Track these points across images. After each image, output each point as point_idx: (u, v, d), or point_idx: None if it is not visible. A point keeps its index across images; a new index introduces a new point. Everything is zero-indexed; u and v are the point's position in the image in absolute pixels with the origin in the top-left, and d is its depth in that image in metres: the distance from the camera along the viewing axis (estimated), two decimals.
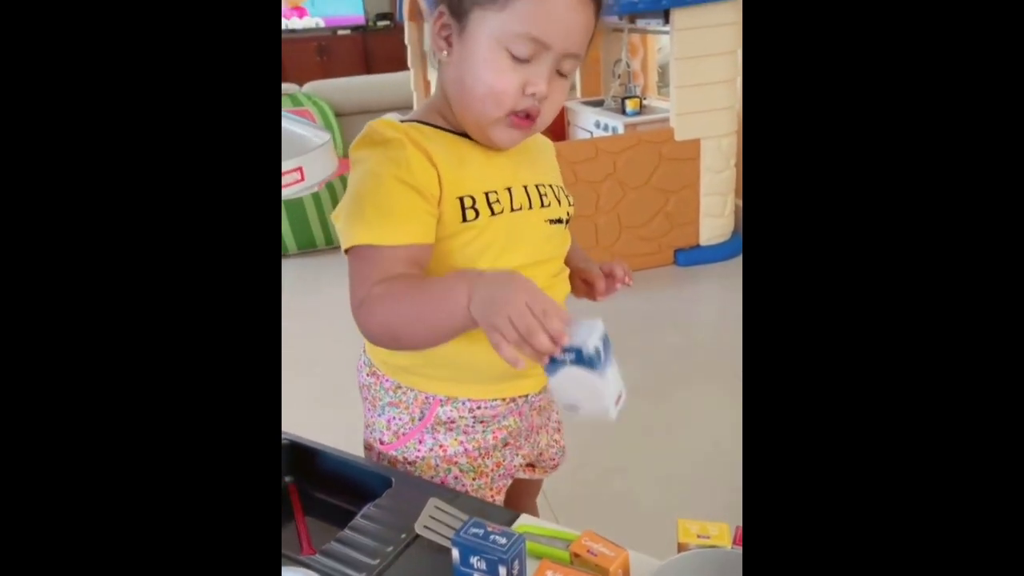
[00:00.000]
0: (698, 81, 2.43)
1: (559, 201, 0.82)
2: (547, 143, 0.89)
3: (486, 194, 0.74)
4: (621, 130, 2.55)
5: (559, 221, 0.81)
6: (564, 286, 0.84)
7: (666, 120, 2.53)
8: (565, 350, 0.60)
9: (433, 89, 0.81)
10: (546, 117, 0.74)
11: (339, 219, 0.75)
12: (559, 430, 0.95)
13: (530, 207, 0.78)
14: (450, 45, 0.72)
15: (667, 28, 2.39)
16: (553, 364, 0.61)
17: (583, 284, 0.86)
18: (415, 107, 2.69)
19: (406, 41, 2.88)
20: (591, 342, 0.60)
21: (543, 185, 0.80)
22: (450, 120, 0.77)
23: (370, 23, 5.82)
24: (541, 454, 0.92)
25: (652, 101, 2.82)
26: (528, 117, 0.72)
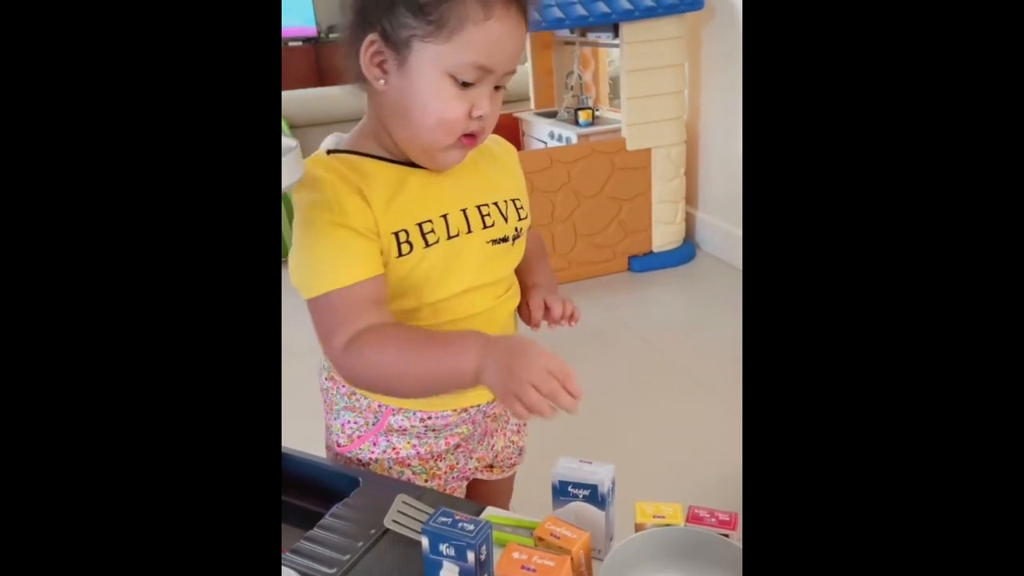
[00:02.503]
0: (647, 93, 2.50)
1: (505, 218, 0.79)
2: (504, 150, 0.87)
3: (419, 225, 0.73)
4: (575, 140, 2.61)
5: (503, 240, 0.79)
6: (512, 303, 0.84)
7: (618, 130, 2.59)
8: (578, 486, 0.64)
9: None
10: (488, 132, 0.75)
11: (291, 269, 0.74)
12: (519, 431, 0.95)
13: (468, 231, 0.76)
14: (386, 73, 0.71)
15: (617, 41, 2.46)
16: (564, 496, 0.65)
17: (525, 307, 0.86)
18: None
19: None
20: (606, 483, 0.64)
21: (485, 205, 0.78)
22: (387, 147, 0.75)
23: (322, 35, 5.79)
24: (497, 455, 0.93)
25: (604, 112, 2.89)
26: (473, 136, 0.73)
